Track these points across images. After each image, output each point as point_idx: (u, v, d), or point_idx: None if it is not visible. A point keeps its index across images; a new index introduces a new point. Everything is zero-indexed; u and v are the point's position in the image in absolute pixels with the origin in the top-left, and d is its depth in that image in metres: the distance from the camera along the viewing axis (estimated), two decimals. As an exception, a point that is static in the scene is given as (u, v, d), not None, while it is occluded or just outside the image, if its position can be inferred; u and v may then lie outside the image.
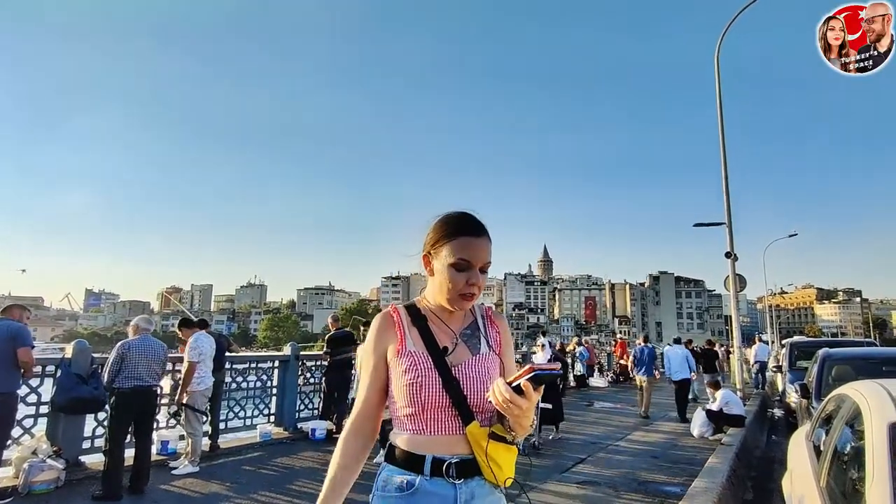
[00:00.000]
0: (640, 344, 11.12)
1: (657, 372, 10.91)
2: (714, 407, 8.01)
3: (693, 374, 10.35)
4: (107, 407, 4.84)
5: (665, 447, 7.35)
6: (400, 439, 1.33)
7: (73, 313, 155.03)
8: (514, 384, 1.15)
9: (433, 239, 1.36)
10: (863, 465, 1.84)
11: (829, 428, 2.72)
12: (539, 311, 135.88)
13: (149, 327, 5.06)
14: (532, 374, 1.13)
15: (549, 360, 7.87)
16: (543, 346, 9.96)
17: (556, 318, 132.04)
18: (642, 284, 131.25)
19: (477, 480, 1.28)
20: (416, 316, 1.38)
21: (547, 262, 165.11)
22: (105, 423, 4.75)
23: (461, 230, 1.33)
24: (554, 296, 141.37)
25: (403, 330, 1.35)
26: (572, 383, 15.20)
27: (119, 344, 4.86)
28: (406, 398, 1.30)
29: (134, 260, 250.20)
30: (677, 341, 11.05)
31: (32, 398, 5.13)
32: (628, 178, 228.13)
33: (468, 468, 1.27)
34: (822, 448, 2.71)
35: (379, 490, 1.31)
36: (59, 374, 5.10)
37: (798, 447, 3.41)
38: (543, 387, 1.21)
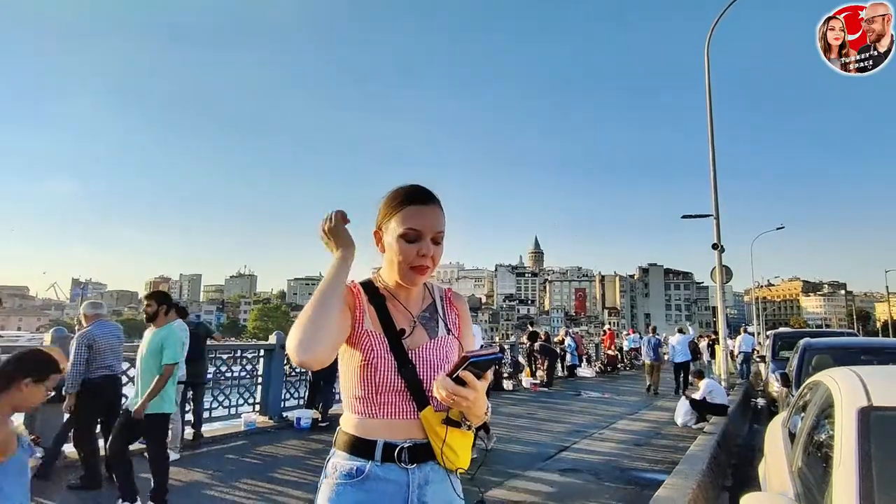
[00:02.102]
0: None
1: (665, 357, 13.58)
2: (697, 396, 8.09)
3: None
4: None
5: (649, 435, 7.42)
6: (350, 424, 1.27)
7: (60, 303, 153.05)
8: (454, 376, 1.11)
9: (382, 213, 1.31)
10: (833, 449, 1.86)
11: (804, 414, 2.74)
12: (529, 302, 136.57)
13: (102, 311, 4.85)
14: (466, 362, 1.09)
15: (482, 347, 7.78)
16: (474, 335, 10.10)
17: (546, 309, 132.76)
18: (632, 276, 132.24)
19: (431, 465, 1.24)
20: (374, 294, 1.31)
21: (538, 254, 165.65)
22: (73, 415, 4.50)
23: (408, 200, 1.27)
24: (544, 287, 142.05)
25: (362, 307, 1.28)
26: (560, 373, 15.31)
27: (80, 335, 4.52)
28: (358, 380, 1.25)
29: (121, 249, 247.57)
30: (681, 331, 13.45)
31: (10, 386, 5.05)
32: (619, 171, 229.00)
33: (421, 453, 1.23)
34: (796, 434, 2.73)
35: (326, 477, 1.25)
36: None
37: (774, 434, 3.45)
38: (491, 372, 1.18)
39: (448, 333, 1.35)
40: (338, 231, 1.27)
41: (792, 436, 2.88)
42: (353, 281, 1.33)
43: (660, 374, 12.73)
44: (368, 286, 1.33)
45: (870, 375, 2.21)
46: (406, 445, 1.22)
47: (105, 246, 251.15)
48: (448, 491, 1.26)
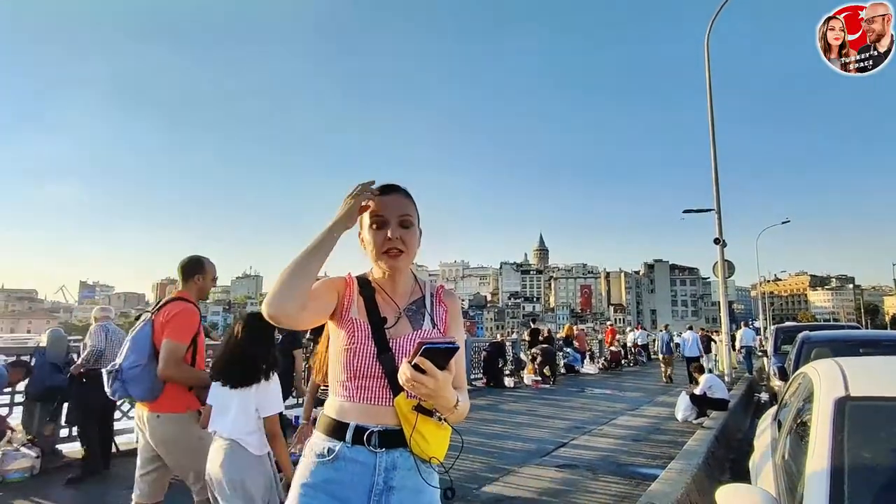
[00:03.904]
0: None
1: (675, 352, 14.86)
2: (697, 391, 8.04)
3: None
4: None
5: (648, 431, 7.40)
6: (330, 407, 1.35)
7: (68, 306, 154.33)
8: (412, 362, 1.14)
9: (361, 217, 1.39)
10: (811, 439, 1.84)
11: (790, 406, 2.73)
12: (535, 299, 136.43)
13: (110, 315, 5.14)
14: (422, 349, 1.11)
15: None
16: None
17: (551, 306, 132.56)
18: (637, 272, 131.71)
19: (400, 452, 1.28)
20: (365, 286, 1.40)
21: (543, 251, 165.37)
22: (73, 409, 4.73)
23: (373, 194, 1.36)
24: (549, 284, 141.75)
25: (352, 296, 1.37)
26: (561, 371, 15.27)
27: (99, 326, 4.89)
28: (341, 365, 1.32)
29: (128, 252, 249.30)
30: (690, 328, 15.21)
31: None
32: (624, 167, 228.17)
33: (392, 439, 1.28)
34: (782, 426, 2.72)
35: (304, 456, 1.33)
36: (34, 362, 5.07)
37: (765, 426, 3.43)
38: (451, 362, 1.19)
39: (433, 328, 1.40)
40: (348, 204, 1.30)
41: (780, 427, 2.86)
42: (349, 273, 1.43)
43: (673, 366, 14.28)
44: (362, 279, 1.42)
45: (852, 366, 2.19)
46: (377, 430, 1.27)
47: (112, 248, 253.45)
48: (416, 478, 1.29)
